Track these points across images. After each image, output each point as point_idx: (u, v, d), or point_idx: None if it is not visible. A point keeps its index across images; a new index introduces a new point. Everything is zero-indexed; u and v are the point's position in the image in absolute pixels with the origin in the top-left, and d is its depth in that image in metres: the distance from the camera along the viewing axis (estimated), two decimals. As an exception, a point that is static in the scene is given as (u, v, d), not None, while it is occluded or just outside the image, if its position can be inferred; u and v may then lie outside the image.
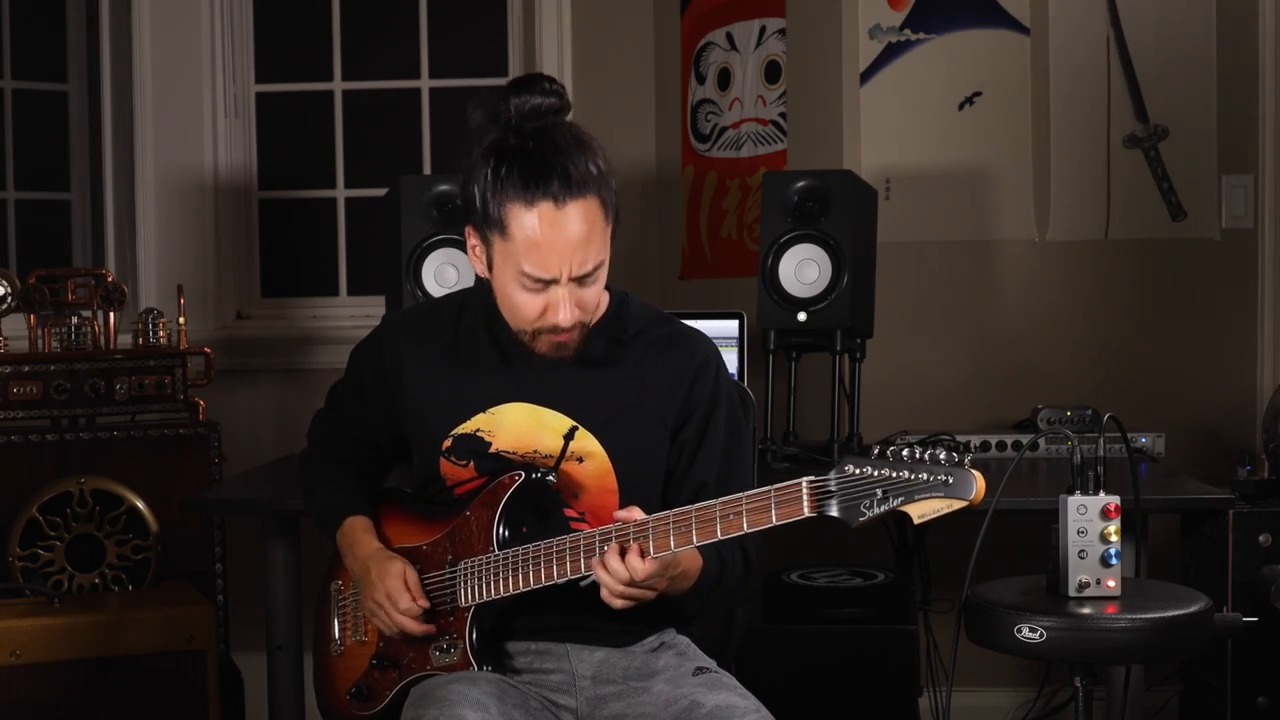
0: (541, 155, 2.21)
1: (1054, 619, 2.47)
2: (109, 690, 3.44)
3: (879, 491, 2.01)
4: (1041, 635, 2.46)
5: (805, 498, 2.05)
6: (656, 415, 2.37)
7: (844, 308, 3.49)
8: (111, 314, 3.92)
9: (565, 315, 2.25)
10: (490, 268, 2.30)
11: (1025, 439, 3.06)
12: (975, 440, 3.57)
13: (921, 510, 2.00)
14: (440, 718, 2.17)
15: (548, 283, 2.24)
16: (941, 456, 2.00)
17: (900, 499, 2.00)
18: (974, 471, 1.99)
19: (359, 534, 2.45)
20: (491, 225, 2.25)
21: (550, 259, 2.22)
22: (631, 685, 2.35)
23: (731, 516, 2.11)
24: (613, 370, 2.38)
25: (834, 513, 2.03)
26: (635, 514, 2.19)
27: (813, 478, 2.06)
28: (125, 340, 3.97)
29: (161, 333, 3.94)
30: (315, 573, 2.64)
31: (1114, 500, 2.52)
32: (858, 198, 3.56)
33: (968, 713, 3.87)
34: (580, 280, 2.25)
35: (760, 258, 3.54)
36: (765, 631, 3.42)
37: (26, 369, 3.81)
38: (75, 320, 3.89)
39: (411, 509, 2.48)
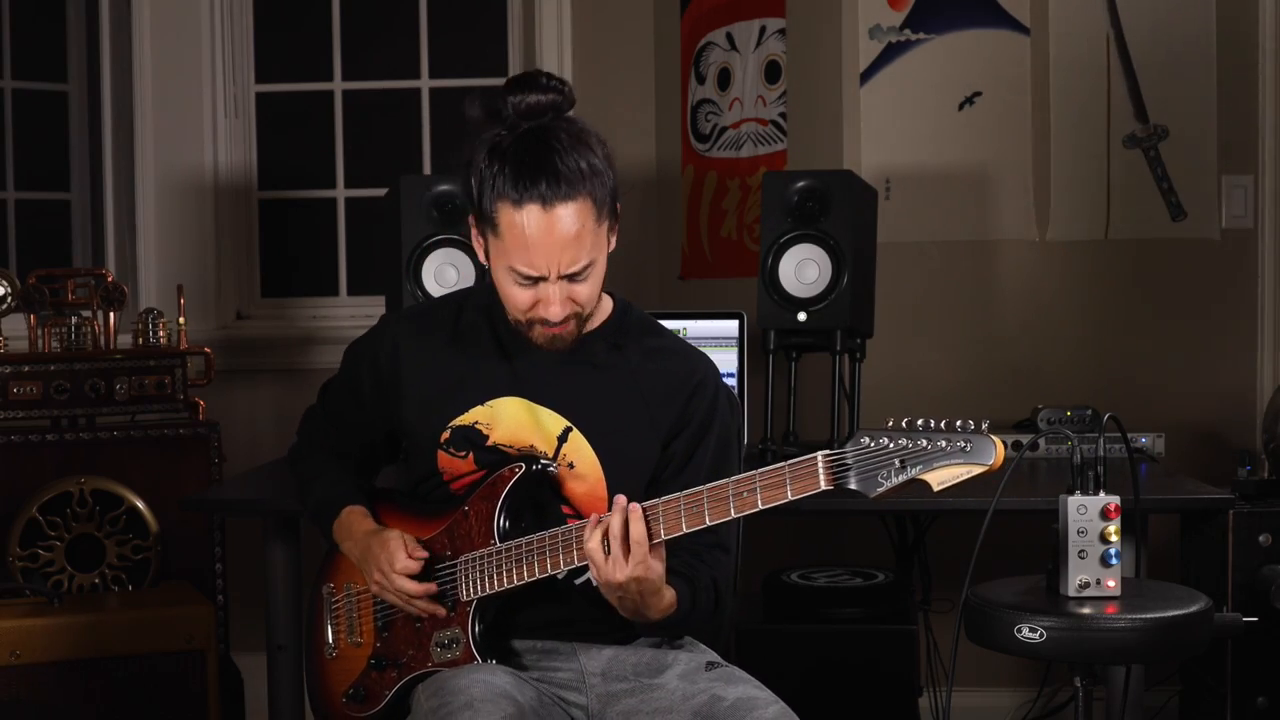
0: (533, 155, 2.21)
1: (1054, 619, 2.46)
2: (109, 690, 3.44)
3: (897, 461, 2.00)
4: (1041, 635, 2.45)
5: (821, 471, 2.04)
6: (650, 423, 2.36)
7: (844, 308, 3.49)
8: (111, 314, 3.92)
9: (555, 310, 2.26)
10: (488, 258, 2.32)
11: (1025, 439, 3.05)
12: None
13: (941, 478, 1.99)
14: (474, 702, 2.16)
15: (537, 279, 2.25)
16: (958, 424, 1.99)
17: (919, 467, 1.99)
18: (993, 437, 1.98)
19: (356, 519, 2.44)
20: (484, 220, 2.27)
21: (537, 258, 2.23)
22: (643, 682, 2.35)
23: (745, 494, 2.10)
24: (610, 374, 2.38)
25: (853, 485, 2.02)
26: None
27: (827, 451, 2.04)
28: (125, 340, 3.97)
29: (161, 333, 3.94)
30: (315, 573, 2.63)
31: (1114, 500, 2.51)
32: (858, 198, 3.56)
33: (968, 713, 3.87)
34: (571, 277, 2.25)
35: (760, 258, 3.54)
36: (765, 631, 3.42)
37: (26, 369, 3.81)
38: (75, 320, 3.88)
39: (407, 507, 2.47)
